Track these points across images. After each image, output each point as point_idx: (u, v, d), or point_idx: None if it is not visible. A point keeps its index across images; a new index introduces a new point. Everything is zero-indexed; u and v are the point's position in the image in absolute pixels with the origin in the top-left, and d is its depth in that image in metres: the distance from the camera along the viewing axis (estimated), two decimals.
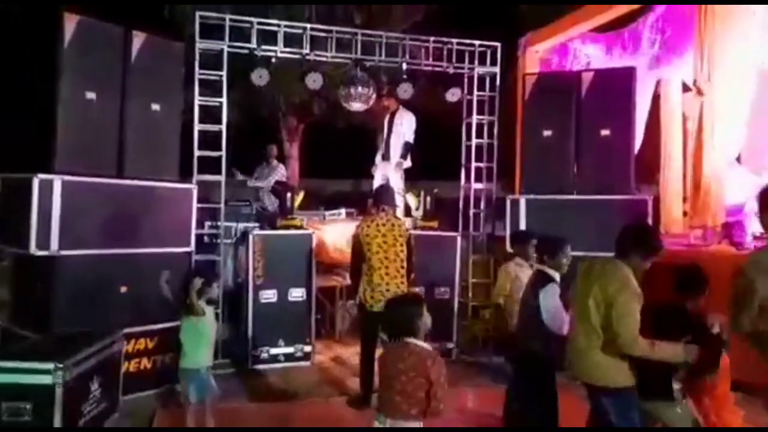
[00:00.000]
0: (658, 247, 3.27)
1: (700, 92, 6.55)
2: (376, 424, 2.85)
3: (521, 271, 4.68)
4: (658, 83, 8.25)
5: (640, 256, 3.22)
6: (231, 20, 6.04)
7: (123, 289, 4.93)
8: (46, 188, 4.46)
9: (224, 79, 6.05)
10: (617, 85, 6.11)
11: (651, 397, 3.30)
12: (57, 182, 4.51)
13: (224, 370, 5.47)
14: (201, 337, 4.00)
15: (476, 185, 7.07)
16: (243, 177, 7.72)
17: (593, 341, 3.22)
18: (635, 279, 3.19)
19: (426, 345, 2.92)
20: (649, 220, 5.82)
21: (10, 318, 4.99)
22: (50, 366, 3.62)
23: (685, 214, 8.01)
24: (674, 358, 3.13)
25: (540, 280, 3.91)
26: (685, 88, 8.11)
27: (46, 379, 3.61)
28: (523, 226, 6.01)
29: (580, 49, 8.74)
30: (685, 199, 8.11)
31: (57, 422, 3.60)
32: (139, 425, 4.45)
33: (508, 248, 5.79)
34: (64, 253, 4.56)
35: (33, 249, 4.44)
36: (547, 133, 6.25)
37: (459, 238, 6.51)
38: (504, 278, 4.77)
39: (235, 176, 7.55)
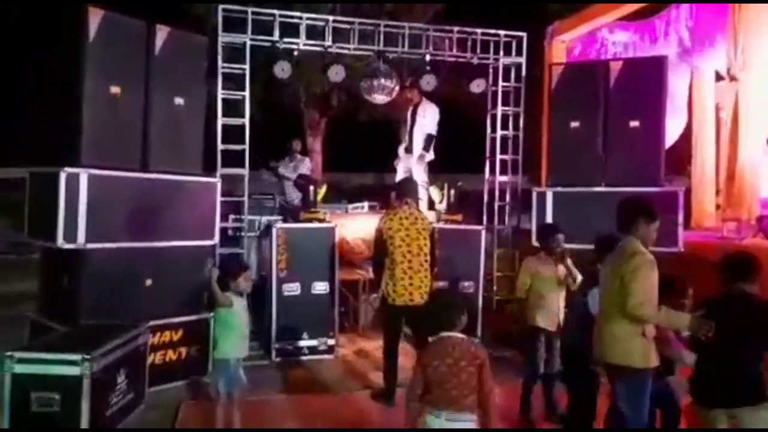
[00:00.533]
0: (656, 210, 3.39)
1: (734, 80, 6.38)
2: (429, 419, 2.91)
3: (542, 267, 4.60)
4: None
5: (645, 223, 3.32)
6: (253, 13, 6.06)
7: (148, 282, 4.99)
8: (73, 182, 4.53)
9: (247, 72, 6.08)
10: (647, 75, 5.98)
11: (741, 404, 3.15)
12: (83, 176, 4.57)
13: (253, 362, 5.47)
14: (230, 329, 4.02)
15: (501, 178, 7.01)
16: (275, 164, 7.88)
17: (613, 314, 3.31)
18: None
19: (462, 335, 3.02)
20: (680, 213, 5.69)
21: (39, 310, 5.10)
22: (78, 357, 3.69)
23: (718, 206, 7.84)
24: (680, 326, 3.19)
25: (592, 281, 3.87)
26: (718, 78, 7.92)
27: (74, 371, 3.68)
28: (549, 219, 5.93)
29: (608, 38, 8.58)
30: (718, 192, 7.94)
31: (84, 413, 3.66)
32: (165, 417, 4.50)
33: (534, 242, 5.74)
34: (90, 246, 4.63)
35: (60, 242, 4.52)
36: (574, 124, 6.15)
37: (483, 232, 6.45)
38: (524, 274, 4.70)
39: (276, 168, 7.72)
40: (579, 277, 4.50)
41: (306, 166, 8.07)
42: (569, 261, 4.61)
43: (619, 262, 3.31)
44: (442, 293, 3.31)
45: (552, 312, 4.51)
